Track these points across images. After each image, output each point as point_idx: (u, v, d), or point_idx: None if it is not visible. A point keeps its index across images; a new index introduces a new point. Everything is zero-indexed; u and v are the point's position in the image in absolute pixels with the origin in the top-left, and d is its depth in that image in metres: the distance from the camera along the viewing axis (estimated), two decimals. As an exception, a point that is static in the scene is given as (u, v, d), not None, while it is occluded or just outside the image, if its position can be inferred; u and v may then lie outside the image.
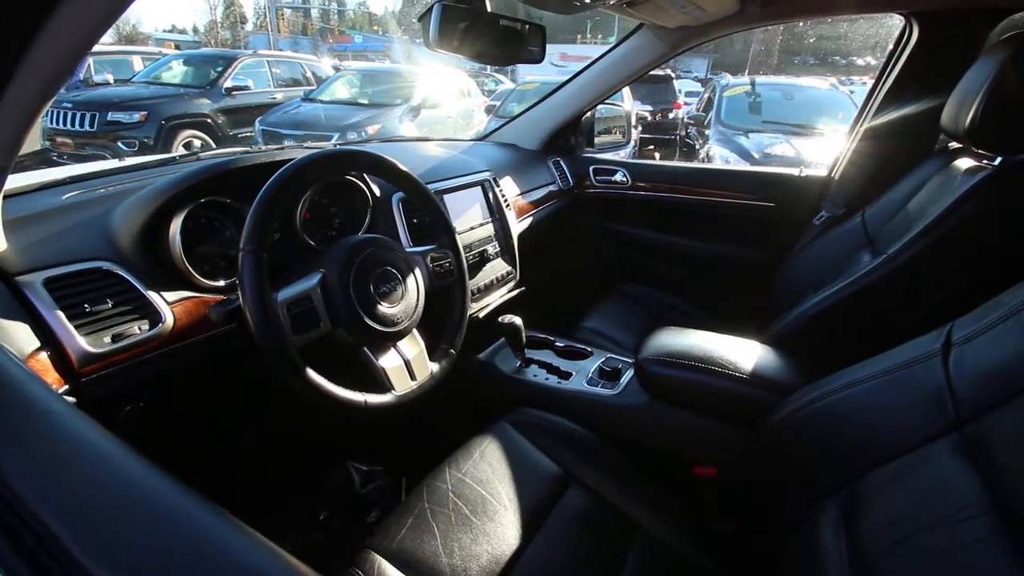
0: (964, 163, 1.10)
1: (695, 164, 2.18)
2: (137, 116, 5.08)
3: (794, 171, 1.65)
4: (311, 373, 0.71)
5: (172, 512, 0.33)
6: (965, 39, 1.20)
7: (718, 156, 4.48)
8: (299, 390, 0.70)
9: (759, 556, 0.85)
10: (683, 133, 6.35)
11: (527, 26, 1.10)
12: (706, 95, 6.06)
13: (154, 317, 0.73)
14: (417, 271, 0.89)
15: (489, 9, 1.03)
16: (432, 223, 1.00)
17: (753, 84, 5.44)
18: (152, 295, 0.74)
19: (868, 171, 1.43)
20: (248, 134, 5.67)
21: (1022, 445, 0.53)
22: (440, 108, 6.00)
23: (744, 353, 1.01)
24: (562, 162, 1.87)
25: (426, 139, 1.82)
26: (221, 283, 0.84)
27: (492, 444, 0.97)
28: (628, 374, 1.15)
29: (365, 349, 0.82)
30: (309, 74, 6.94)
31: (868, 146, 1.44)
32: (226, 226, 0.89)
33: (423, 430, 1.25)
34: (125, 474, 0.36)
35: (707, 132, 5.03)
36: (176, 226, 0.79)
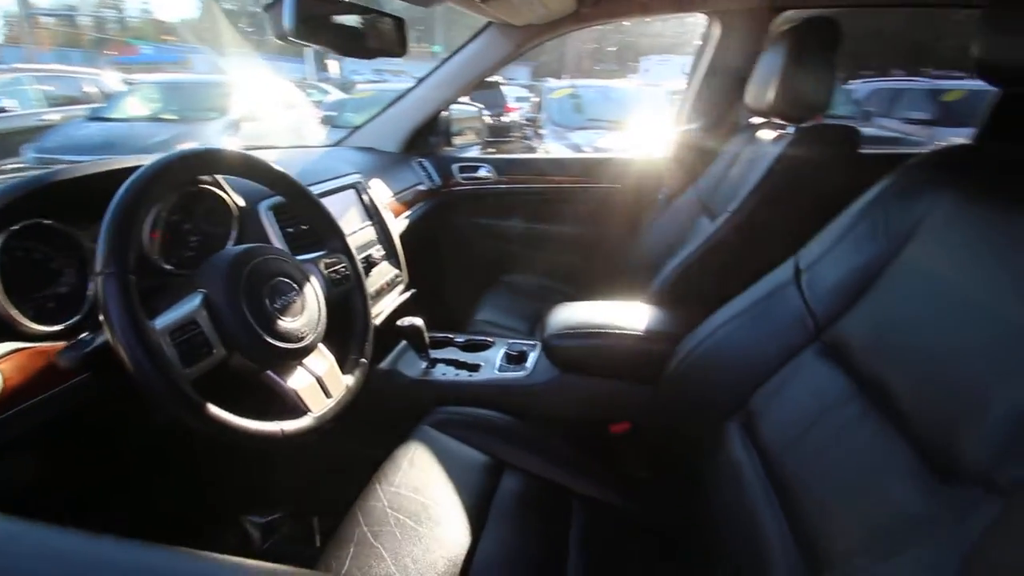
0: (766, 134, 1.34)
1: (552, 155, 2.33)
2: None
3: (637, 155, 1.85)
4: (214, 409, 0.60)
5: None
6: (754, 32, 1.48)
7: (554, 152, 4.84)
8: (201, 430, 0.59)
9: (678, 491, 0.95)
10: (520, 134, 6.75)
11: (386, 18, 1.07)
12: (535, 99, 6.51)
13: None
14: (313, 279, 0.81)
15: (344, -1, 0.98)
16: (319, 228, 0.92)
17: (573, 87, 6.00)
18: None
19: (693, 150, 1.67)
20: (15, 165, 4.55)
21: (868, 339, 0.67)
22: (264, 121, 5.49)
23: (634, 314, 1.11)
24: (425, 162, 1.85)
25: (272, 147, 1.66)
26: (58, 327, 0.67)
27: (418, 450, 0.93)
28: (533, 355, 1.19)
29: (269, 372, 0.72)
30: (93, 90, 5.83)
31: (689, 129, 1.68)
32: (52, 257, 0.71)
33: (330, 457, 1.14)
34: None
35: (542, 132, 5.41)
36: None
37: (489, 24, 1.59)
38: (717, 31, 1.53)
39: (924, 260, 0.63)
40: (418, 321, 1.13)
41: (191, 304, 0.65)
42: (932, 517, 0.46)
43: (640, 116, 5.47)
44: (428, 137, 1.87)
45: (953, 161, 0.68)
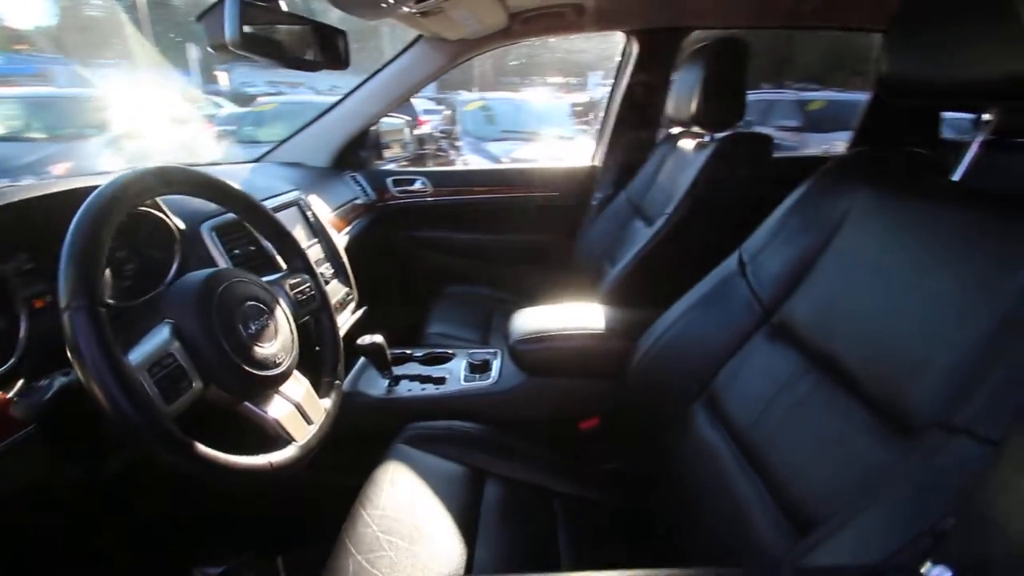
0: (688, 143, 1.47)
1: (488, 166, 2.35)
2: None
3: (568, 164, 1.94)
4: (202, 447, 0.55)
5: None
6: (668, 50, 1.62)
7: (473, 164, 4.90)
8: (189, 471, 0.54)
9: (651, 477, 1.00)
10: (435, 147, 6.72)
11: (329, 30, 1.04)
12: (446, 111, 6.54)
13: None
14: (282, 301, 0.77)
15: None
16: (279, 248, 0.87)
17: (484, 100, 6.12)
18: None
19: (620, 158, 1.79)
20: None
21: (812, 318, 0.76)
22: (149, 138, 5.00)
23: (591, 315, 1.16)
24: (358, 176, 1.80)
25: (194, 166, 1.53)
26: None
27: (398, 469, 0.91)
28: (496, 363, 1.20)
29: (247, 403, 0.67)
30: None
31: (616, 138, 1.80)
32: None
33: (296, 490, 1.07)
34: None
35: (459, 144, 5.45)
36: None
37: (419, 38, 1.59)
38: (635, 48, 1.66)
39: (853, 246, 0.74)
40: (378, 338, 1.10)
41: (160, 337, 0.59)
42: (896, 465, 0.53)
43: (551, 127, 5.71)
44: (359, 151, 1.83)
45: (865, 163, 0.80)
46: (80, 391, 0.56)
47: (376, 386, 1.14)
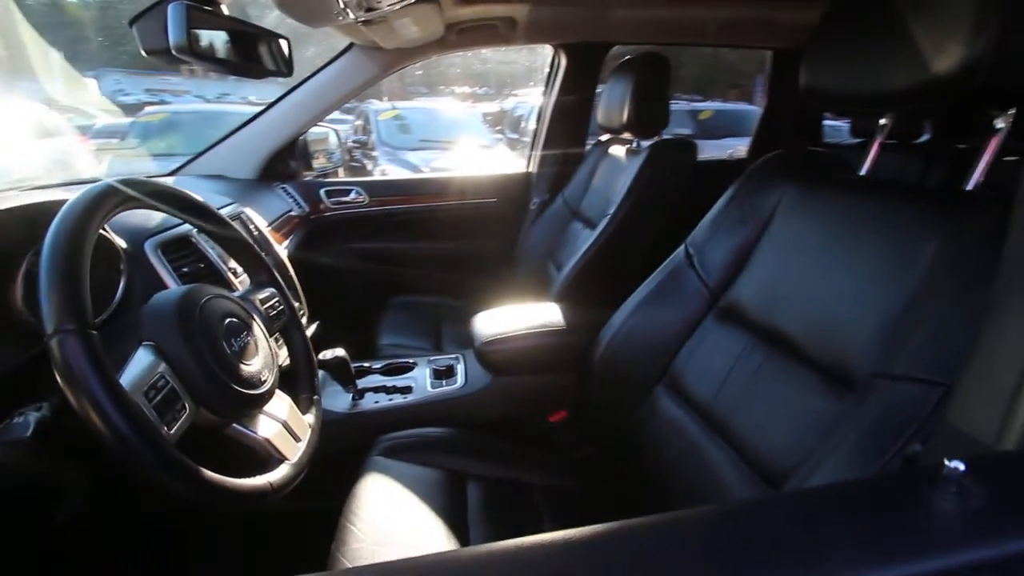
0: (618, 149, 1.58)
1: (425, 175, 2.29)
2: None
3: (504, 170, 1.99)
4: (207, 473, 0.52)
5: None
6: (593, 62, 1.73)
7: (393, 174, 4.81)
8: (195, 499, 0.51)
9: (622, 459, 1.07)
10: (348, 157, 6.51)
11: (275, 37, 1.00)
12: (358, 122, 6.36)
13: None
14: (256, 317, 0.73)
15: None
16: (243, 262, 0.83)
17: (397, 109, 6.05)
18: None
19: (554, 163, 1.87)
20: None
21: (756, 298, 0.86)
22: (10, 152, 4.35)
23: (549, 313, 1.22)
24: (289, 188, 1.73)
25: (94, 179, 1.39)
26: None
27: (378, 481, 0.90)
28: (460, 367, 1.22)
29: (235, 425, 0.64)
30: None
31: (549, 145, 1.88)
32: None
33: (265, 520, 1.01)
34: None
35: (374, 154, 5.32)
36: None
37: (351, 47, 1.57)
38: (563, 60, 1.75)
39: (785, 233, 0.85)
40: (340, 352, 1.08)
41: (145, 360, 0.55)
42: (847, 414, 0.63)
43: (468, 136, 5.76)
44: (288, 162, 1.75)
45: (787, 162, 0.93)
46: (55, 426, 0.51)
47: (340, 401, 1.10)
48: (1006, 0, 0.51)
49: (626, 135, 1.53)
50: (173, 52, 0.80)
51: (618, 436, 1.04)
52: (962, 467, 0.28)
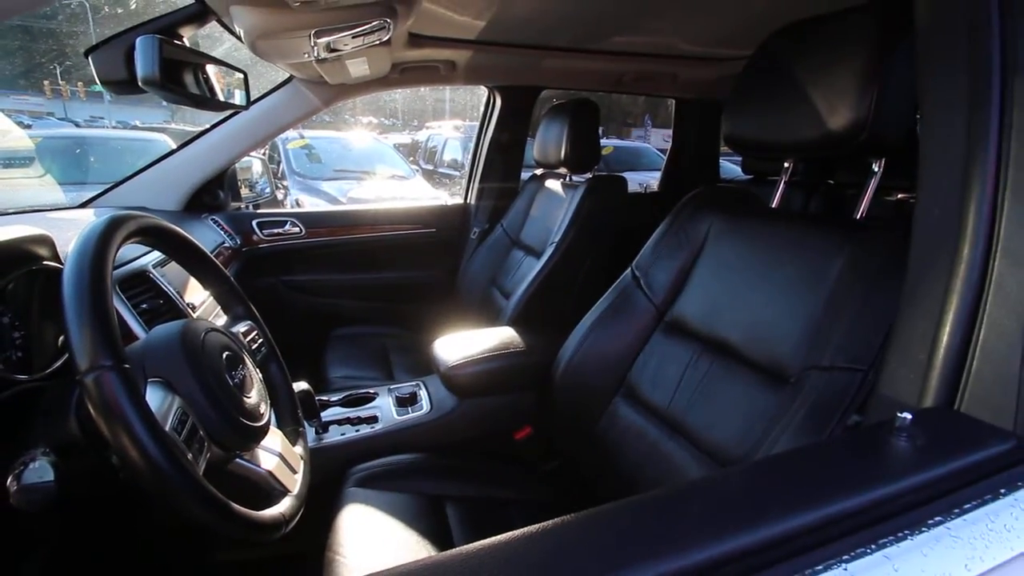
0: (554, 183, 1.72)
1: (362, 206, 2.22)
2: None
3: (441, 201, 2.05)
4: (234, 505, 0.52)
5: None
6: (525, 104, 1.88)
7: (308, 204, 4.65)
8: (222, 530, 0.50)
9: (588, 468, 1.14)
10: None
11: (234, 71, 1.00)
12: (265, 149, 6.07)
13: None
14: (244, 351, 0.72)
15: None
16: (220, 293, 0.80)
17: (304, 138, 5.88)
18: None
19: (492, 195, 1.97)
20: None
21: (698, 312, 1.00)
22: None
23: (506, 336, 1.28)
24: (219, 219, 1.65)
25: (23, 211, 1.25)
26: None
27: (360, 512, 0.90)
28: (423, 393, 1.24)
29: (239, 459, 0.62)
30: None
31: (486, 177, 1.98)
32: None
33: (231, 567, 0.95)
34: None
35: (285, 183, 5.11)
36: None
37: (291, 78, 1.56)
38: (498, 101, 1.88)
39: (717, 256, 1.00)
40: (304, 385, 1.06)
41: (157, 397, 0.53)
42: (786, 404, 0.77)
43: (383, 166, 5.74)
44: (218, 192, 1.68)
45: (712, 196, 1.09)
46: (66, 470, 0.49)
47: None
48: (882, 74, 0.69)
49: (561, 170, 1.67)
50: (140, 84, 0.78)
51: (583, 446, 1.12)
52: (910, 417, 0.40)
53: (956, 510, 0.33)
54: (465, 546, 0.33)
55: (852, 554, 0.29)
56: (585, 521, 0.34)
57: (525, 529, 0.34)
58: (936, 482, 0.35)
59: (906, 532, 0.31)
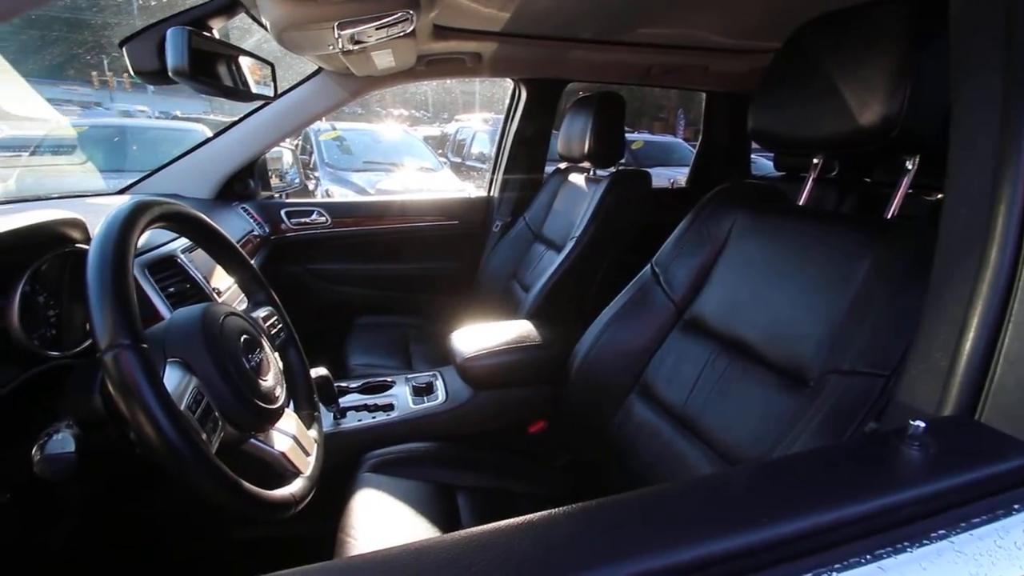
0: (577, 176, 1.70)
1: (389, 196, 2.26)
2: None
3: (465, 194, 2.06)
4: (245, 483, 0.54)
5: None
6: (551, 97, 1.86)
7: (337, 194, 4.74)
8: (233, 507, 0.52)
9: (600, 465, 1.14)
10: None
11: (263, 62, 1.03)
12: (297, 140, 6.21)
13: None
14: (263, 335, 0.75)
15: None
16: (244, 279, 0.83)
17: (336, 130, 5.99)
18: None
19: (515, 188, 1.97)
20: None
21: (718, 311, 0.98)
22: None
23: (524, 329, 1.28)
24: (249, 208, 1.70)
25: (39, 198, 1.32)
26: None
27: (373, 497, 0.92)
28: (439, 383, 1.25)
29: (253, 439, 0.65)
30: None
31: (509, 170, 1.98)
32: None
33: (244, 548, 0.98)
34: None
35: (316, 174, 5.21)
36: None
37: (320, 70, 1.59)
38: (523, 93, 1.87)
39: (740, 254, 0.98)
40: (323, 371, 1.08)
41: (175, 377, 0.55)
42: (804, 407, 0.74)
43: (412, 159, 5.79)
44: (248, 182, 1.73)
45: (736, 192, 1.06)
46: (88, 442, 0.51)
47: (323, 420, 1.10)
48: (916, 68, 0.65)
49: (585, 164, 1.65)
50: (171, 75, 0.81)
51: (596, 442, 1.11)
52: (923, 426, 0.38)
53: (963, 524, 0.32)
54: (471, 528, 0.33)
55: (844, 563, 0.28)
56: (572, 514, 0.34)
57: (519, 519, 0.35)
58: (944, 494, 0.34)
59: (905, 544, 0.30)
